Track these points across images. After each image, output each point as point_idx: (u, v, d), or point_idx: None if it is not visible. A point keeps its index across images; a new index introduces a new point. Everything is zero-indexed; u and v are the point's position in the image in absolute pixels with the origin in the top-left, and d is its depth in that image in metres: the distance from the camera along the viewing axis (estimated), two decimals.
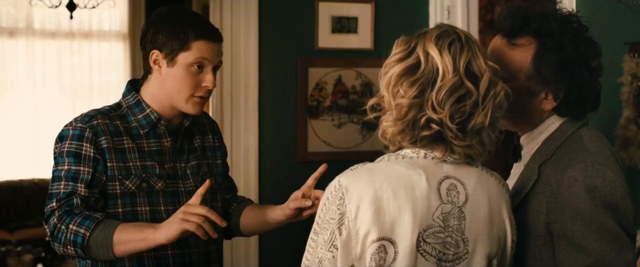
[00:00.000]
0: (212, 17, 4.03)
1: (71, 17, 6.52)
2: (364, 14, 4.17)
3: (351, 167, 1.67)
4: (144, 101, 2.31)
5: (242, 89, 4.02)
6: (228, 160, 2.60)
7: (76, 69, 7.78)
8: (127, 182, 2.23)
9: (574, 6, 3.10)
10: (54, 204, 2.18)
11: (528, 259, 1.82)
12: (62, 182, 2.19)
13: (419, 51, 1.65)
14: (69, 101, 7.63)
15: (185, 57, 2.23)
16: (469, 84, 1.62)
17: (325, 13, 4.12)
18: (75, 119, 2.28)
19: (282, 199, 4.33)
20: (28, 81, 7.58)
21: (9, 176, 7.38)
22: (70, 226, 2.12)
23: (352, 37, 4.16)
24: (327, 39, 4.13)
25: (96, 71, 7.84)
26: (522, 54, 1.85)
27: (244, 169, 4.02)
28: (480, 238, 1.67)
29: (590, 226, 1.72)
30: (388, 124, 1.67)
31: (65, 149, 2.22)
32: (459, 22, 4.08)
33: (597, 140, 1.85)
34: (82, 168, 2.20)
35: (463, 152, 1.66)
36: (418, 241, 1.61)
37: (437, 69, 1.62)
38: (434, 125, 1.62)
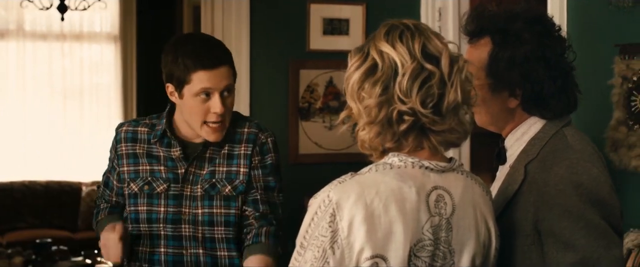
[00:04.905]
0: (203, 19, 4.03)
1: (62, 18, 6.48)
2: (356, 16, 4.18)
3: (339, 180, 1.62)
4: (172, 125, 2.43)
5: None
6: None
7: (67, 70, 7.74)
8: (132, 185, 2.41)
9: (565, 9, 3.11)
10: (97, 200, 2.58)
11: (517, 259, 1.81)
12: (102, 187, 2.53)
13: (373, 53, 1.64)
14: (60, 103, 7.58)
15: (189, 89, 2.29)
16: (428, 66, 1.60)
17: (317, 15, 4.12)
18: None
19: None
20: (18, 83, 7.55)
21: None
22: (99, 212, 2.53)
23: (344, 38, 4.16)
24: (318, 40, 4.13)
25: (87, 73, 7.81)
26: (480, 53, 1.88)
27: None
28: (465, 248, 1.66)
29: (578, 222, 1.72)
30: (364, 132, 1.64)
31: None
32: (450, 24, 4.08)
33: (581, 138, 1.86)
34: (109, 176, 2.50)
35: (444, 139, 1.64)
36: (409, 256, 1.59)
37: (395, 63, 1.60)
38: (406, 117, 1.60)
